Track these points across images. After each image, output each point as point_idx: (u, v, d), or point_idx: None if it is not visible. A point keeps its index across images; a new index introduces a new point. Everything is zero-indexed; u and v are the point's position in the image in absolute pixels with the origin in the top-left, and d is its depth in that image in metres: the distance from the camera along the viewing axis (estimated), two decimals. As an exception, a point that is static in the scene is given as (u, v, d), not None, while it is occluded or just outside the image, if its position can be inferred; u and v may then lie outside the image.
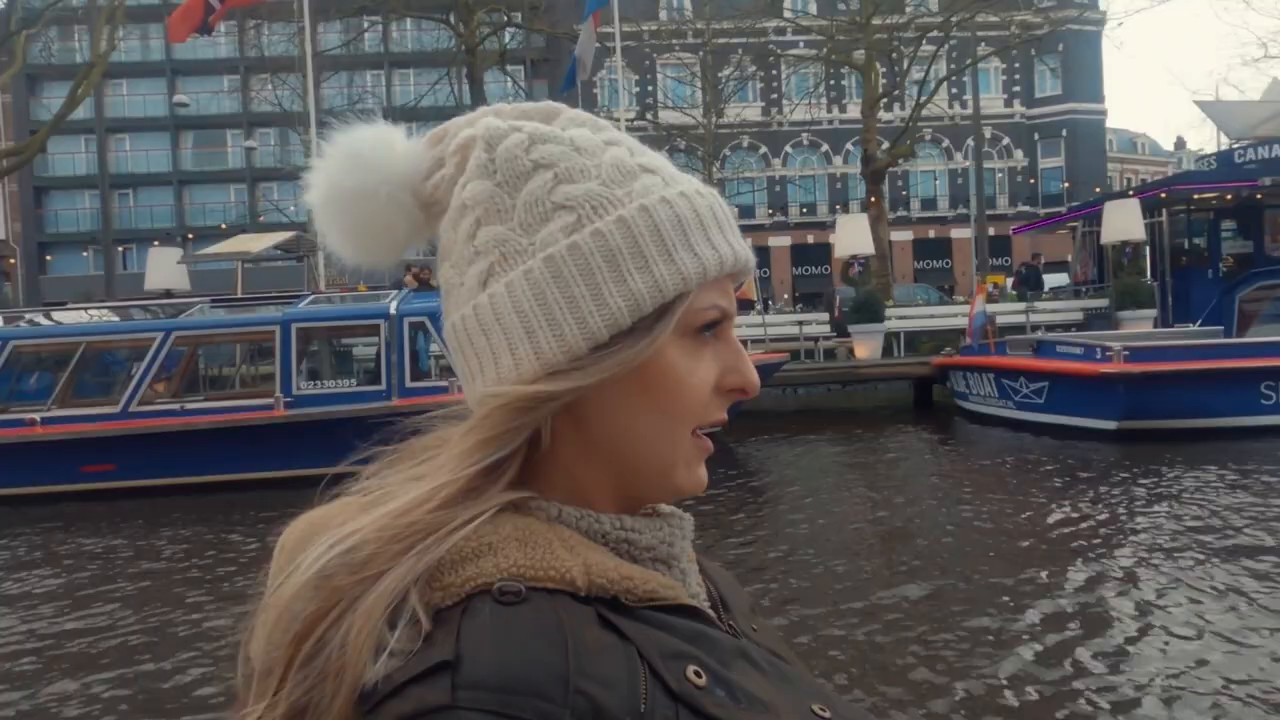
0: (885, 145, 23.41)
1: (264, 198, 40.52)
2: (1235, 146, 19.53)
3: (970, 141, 36.95)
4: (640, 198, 0.60)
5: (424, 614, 0.51)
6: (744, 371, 0.63)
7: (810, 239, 42.26)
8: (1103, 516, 7.16)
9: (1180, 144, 55.70)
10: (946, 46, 33.43)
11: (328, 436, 10.04)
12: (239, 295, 14.85)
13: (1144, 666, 4.26)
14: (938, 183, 43.06)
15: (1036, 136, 42.65)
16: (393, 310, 10.42)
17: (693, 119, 32.00)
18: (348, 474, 0.62)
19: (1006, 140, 42.79)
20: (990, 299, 22.14)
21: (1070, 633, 4.68)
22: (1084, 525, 6.90)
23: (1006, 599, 5.26)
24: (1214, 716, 3.76)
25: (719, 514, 7.68)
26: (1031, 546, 6.42)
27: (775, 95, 40.06)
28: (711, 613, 0.63)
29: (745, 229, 41.62)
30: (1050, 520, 7.10)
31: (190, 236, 35.21)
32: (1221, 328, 12.70)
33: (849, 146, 39.57)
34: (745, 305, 18.11)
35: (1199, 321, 13.81)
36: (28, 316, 12.50)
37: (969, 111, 35.36)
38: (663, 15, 39.30)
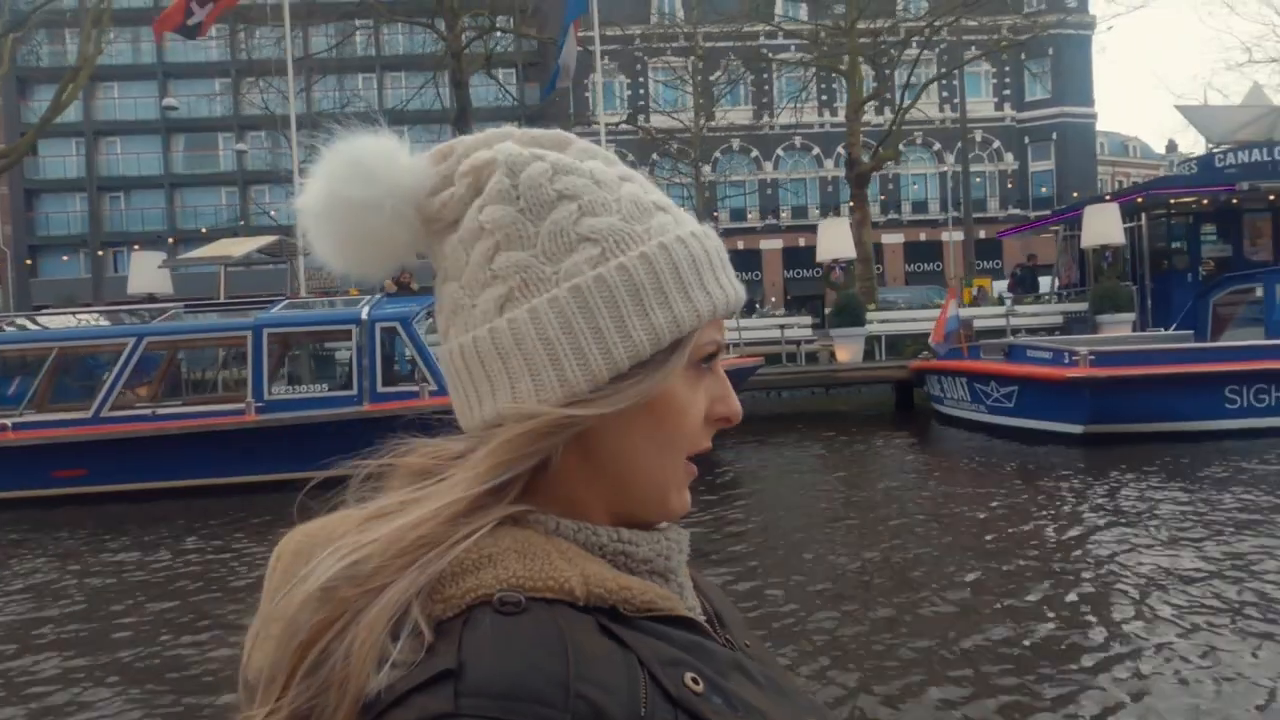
0: (877, 148, 23.50)
1: (255, 201, 40.54)
2: (1216, 151, 19.62)
3: (960, 145, 37.08)
4: (658, 236, 0.63)
5: (426, 626, 0.52)
6: (730, 402, 0.67)
7: (802, 242, 42.27)
8: (1048, 515, 7.23)
9: (1172, 147, 55.75)
10: (937, 50, 33.65)
11: (299, 441, 10.11)
12: (221, 299, 14.93)
13: (1113, 657, 4.33)
14: (929, 186, 43.15)
15: (1027, 140, 42.74)
16: (364, 315, 10.46)
17: (681, 123, 32.04)
18: (330, 482, 0.63)
19: (997, 143, 42.89)
20: (975, 302, 22.32)
21: (1020, 637, 4.73)
22: (1031, 528, 6.96)
23: (960, 610, 5.31)
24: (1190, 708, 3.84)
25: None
26: (977, 549, 6.47)
27: (766, 99, 40.13)
28: (708, 626, 0.65)
29: (736, 232, 41.74)
30: (998, 524, 7.16)
31: (170, 240, 35.13)
32: (1192, 332, 12.77)
33: (840, 150, 39.68)
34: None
35: (1174, 325, 13.87)
36: (15, 321, 12.51)
37: (960, 115, 35.51)
38: (654, 19, 39.41)
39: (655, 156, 34.26)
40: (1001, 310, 18.15)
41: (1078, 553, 6.33)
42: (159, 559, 7.47)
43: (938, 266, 42.35)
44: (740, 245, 41.64)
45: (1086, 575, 5.82)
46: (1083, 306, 16.99)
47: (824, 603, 5.44)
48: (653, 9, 39.96)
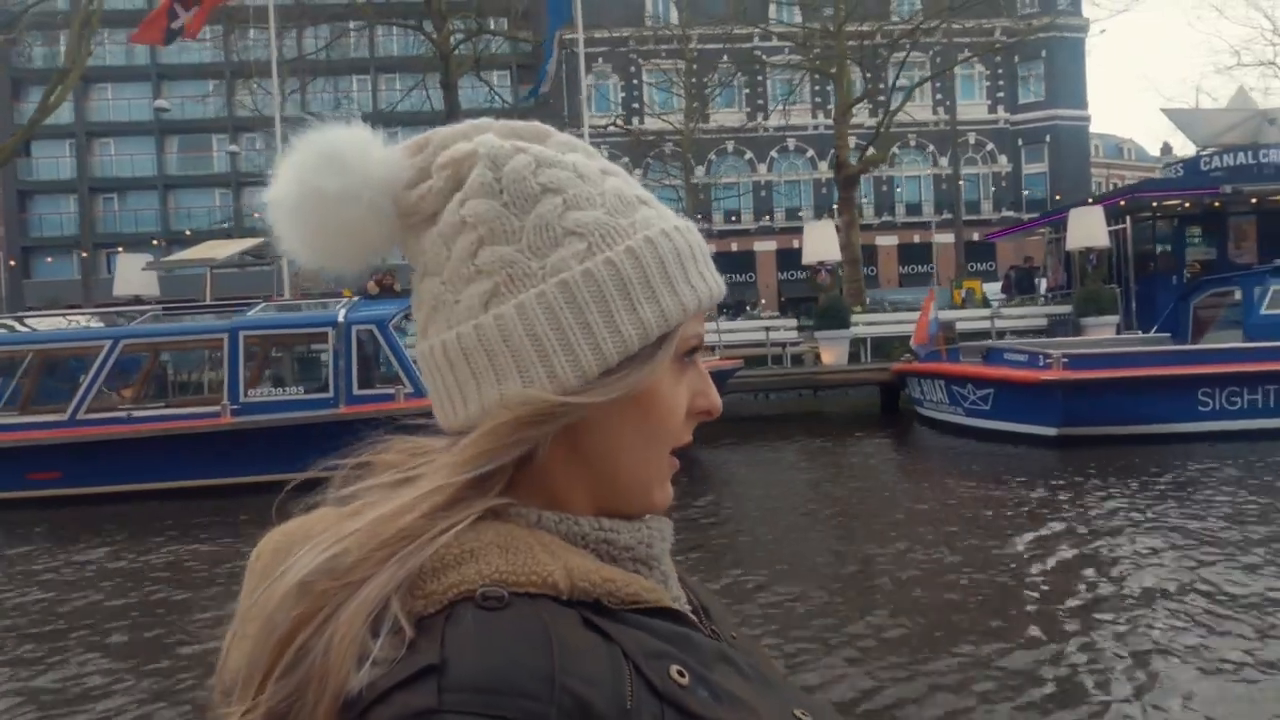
0: (864, 150, 23.53)
1: (248, 203, 40.56)
2: (1202, 154, 19.67)
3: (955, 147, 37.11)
4: (643, 230, 0.62)
5: (406, 622, 0.51)
6: (710, 395, 0.67)
7: (795, 244, 41.94)
8: (1008, 517, 7.26)
9: (1166, 149, 55.69)
10: (930, 53, 33.68)
11: (275, 444, 10.13)
12: (207, 301, 14.94)
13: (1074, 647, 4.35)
14: (922, 188, 43.20)
15: (1020, 142, 42.80)
16: (341, 318, 10.47)
17: (672, 125, 32.09)
18: (309, 484, 0.62)
19: (991, 146, 42.94)
20: (962, 304, 22.34)
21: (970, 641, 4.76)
22: (990, 529, 6.98)
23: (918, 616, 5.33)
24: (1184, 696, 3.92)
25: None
26: (928, 552, 6.49)
27: (761, 101, 40.18)
28: (693, 616, 0.64)
29: (731, 233, 41.80)
30: (958, 525, 7.19)
31: (154, 243, 35.09)
32: (1169, 335, 12.80)
33: (834, 152, 39.75)
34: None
35: (1155, 328, 13.90)
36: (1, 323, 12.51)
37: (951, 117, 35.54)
38: (649, 23, 39.48)
39: (649, 159, 34.31)
40: (986, 313, 18.16)
41: (1036, 553, 6.34)
42: (117, 564, 7.48)
43: (931, 268, 42.38)
44: (734, 247, 41.68)
45: (1036, 577, 5.84)
46: (1067, 309, 17.02)
47: (790, 597, 5.46)
48: (647, 12, 40.05)
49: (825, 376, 16.12)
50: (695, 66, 32.11)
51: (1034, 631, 4.86)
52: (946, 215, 40.60)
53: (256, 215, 33.23)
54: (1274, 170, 18.21)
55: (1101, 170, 53.10)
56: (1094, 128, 46.04)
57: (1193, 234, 18.48)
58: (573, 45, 18.65)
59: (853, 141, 25.04)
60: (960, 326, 16.79)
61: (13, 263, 38.93)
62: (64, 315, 13.75)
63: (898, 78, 23.61)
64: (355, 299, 11.42)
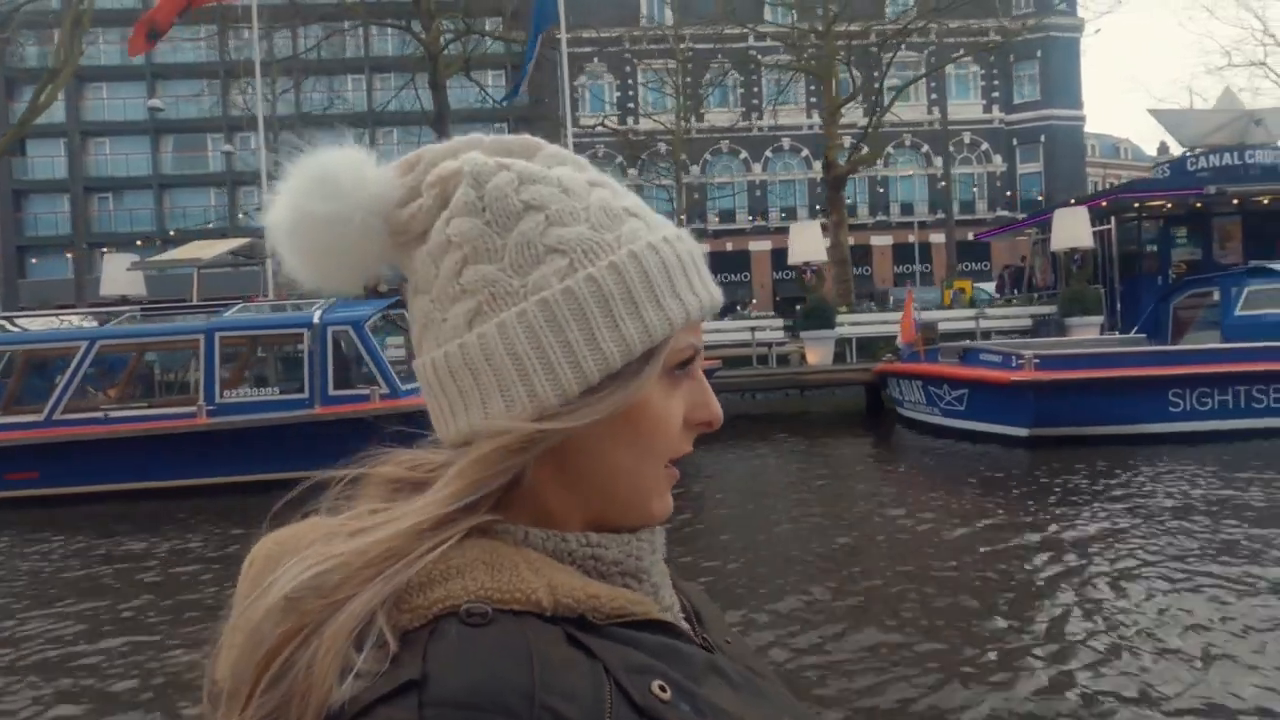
0: (852, 150, 23.55)
1: (244, 202, 40.62)
2: (1188, 155, 19.69)
3: (950, 147, 37.11)
4: (628, 243, 0.61)
5: (391, 636, 0.51)
6: (710, 406, 0.66)
7: (790, 243, 42.35)
8: (970, 517, 7.30)
9: (1163, 149, 55.73)
10: (925, 53, 33.70)
11: (251, 444, 10.17)
12: (194, 301, 14.98)
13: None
14: (917, 188, 43.22)
15: (1015, 142, 42.82)
16: (316, 319, 10.50)
17: (663, 125, 32.11)
18: (297, 486, 0.63)
19: (985, 146, 42.97)
20: (950, 304, 22.35)
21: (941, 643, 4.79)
22: (952, 527, 7.02)
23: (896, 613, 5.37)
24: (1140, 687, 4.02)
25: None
26: (887, 553, 6.53)
27: (755, 101, 40.20)
28: (685, 626, 0.64)
29: (726, 233, 41.82)
30: (918, 527, 7.22)
31: (140, 243, 35.08)
32: (1145, 335, 12.82)
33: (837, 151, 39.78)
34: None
35: (1135, 329, 13.92)
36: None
37: (947, 117, 35.53)
38: (643, 22, 39.52)
39: (644, 157, 34.34)
40: (972, 313, 18.19)
41: (977, 558, 6.38)
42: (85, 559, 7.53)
43: (926, 268, 42.40)
44: (729, 247, 41.72)
45: (993, 577, 5.88)
46: (1052, 309, 17.05)
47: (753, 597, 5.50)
48: (642, 13, 40.08)
49: (808, 377, 16.14)
50: (690, 67, 32.16)
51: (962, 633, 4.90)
52: (941, 215, 40.62)
53: (243, 215, 33.26)
54: (1260, 171, 18.25)
55: (1098, 170, 53.09)
56: (1091, 127, 46.08)
57: (1178, 235, 18.52)
58: (553, 46, 18.62)
59: (848, 141, 25.09)
60: (947, 327, 16.81)
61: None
62: (56, 315, 13.81)
63: (885, 75, 23.63)
64: (333, 300, 11.44)
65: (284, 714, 0.51)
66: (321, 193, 0.61)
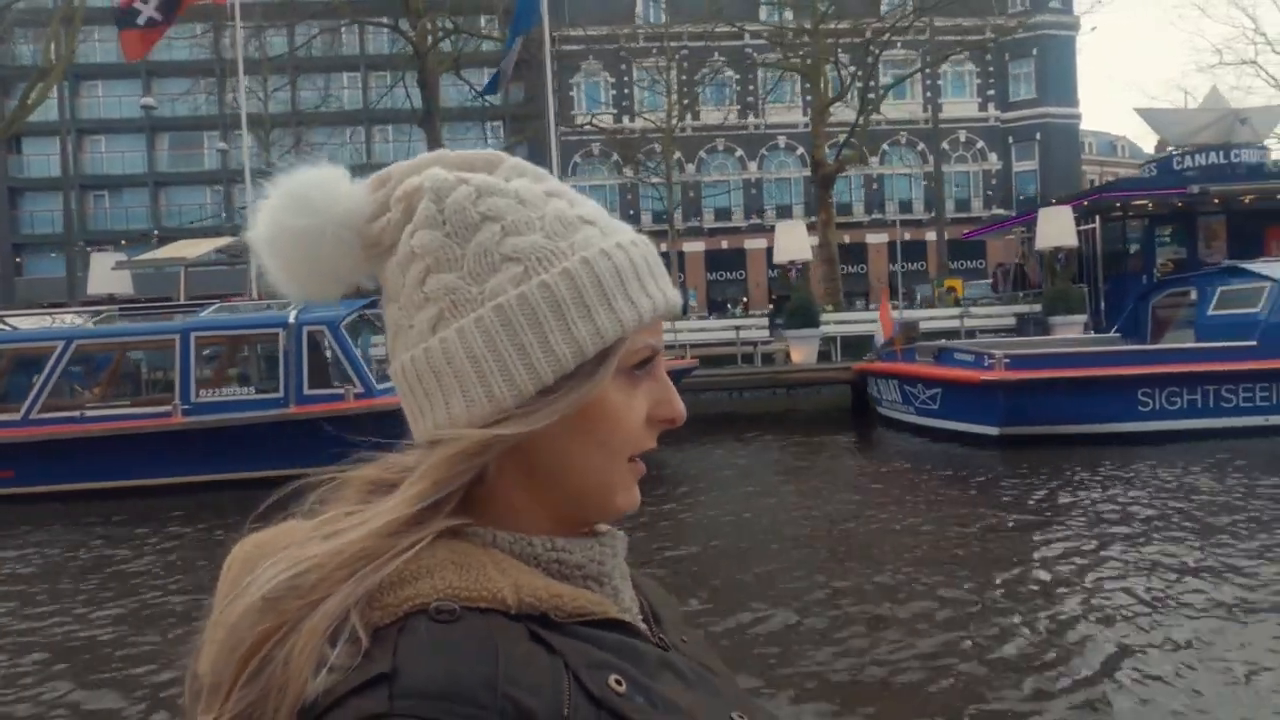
0: (840, 148, 23.57)
1: (239, 199, 40.65)
2: (1175, 154, 19.71)
3: (945, 145, 37.13)
4: (581, 250, 0.64)
5: (364, 632, 0.55)
6: (673, 403, 0.69)
7: (786, 241, 42.33)
8: (934, 513, 7.35)
9: (1160, 147, 55.70)
10: (920, 51, 33.65)
11: (226, 443, 10.23)
12: (181, 300, 15.04)
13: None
14: (913, 186, 43.21)
15: (1011, 140, 42.77)
16: (291, 319, 10.55)
17: (654, 123, 32.12)
18: (282, 489, 0.66)
19: (981, 144, 42.94)
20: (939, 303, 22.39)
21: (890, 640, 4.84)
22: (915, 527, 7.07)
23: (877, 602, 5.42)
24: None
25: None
26: (852, 550, 6.58)
27: (751, 99, 40.20)
28: (643, 626, 0.67)
29: (721, 231, 41.83)
30: (882, 524, 7.27)
31: (123, 241, 35.12)
32: (1120, 334, 12.85)
33: (826, 150, 39.73)
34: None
35: (1115, 328, 13.95)
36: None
37: (943, 115, 35.55)
38: (638, 20, 39.52)
39: (640, 156, 34.33)
40: (956, 312, 18.22)
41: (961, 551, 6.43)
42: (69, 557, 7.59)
43: (922, 266, 42.40)
44: (725, 245, 41.74)
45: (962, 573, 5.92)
46: (1035, 308, 17.07)
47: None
48: (637, 12, 40.09)
49: (791, 375, 16.17)
50: (685, 65, 32.17)
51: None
52: (936, 213, 40.65)
53: (225, 215, 33.25)
54: (1246, 170, 18.27)
55: (1095, 168, 53.02)
56: (1088, 125, 46.00)
57: (1163, 234, 18.55)
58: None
59: (841, 138, 25.08)
60: (931, 326, 16.84)
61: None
62: (49, 314, 13.87)
63: (875, 74, 23.66)
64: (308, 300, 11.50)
65: (262, 706, 0.54)
66: (295, 209, 0.65)
